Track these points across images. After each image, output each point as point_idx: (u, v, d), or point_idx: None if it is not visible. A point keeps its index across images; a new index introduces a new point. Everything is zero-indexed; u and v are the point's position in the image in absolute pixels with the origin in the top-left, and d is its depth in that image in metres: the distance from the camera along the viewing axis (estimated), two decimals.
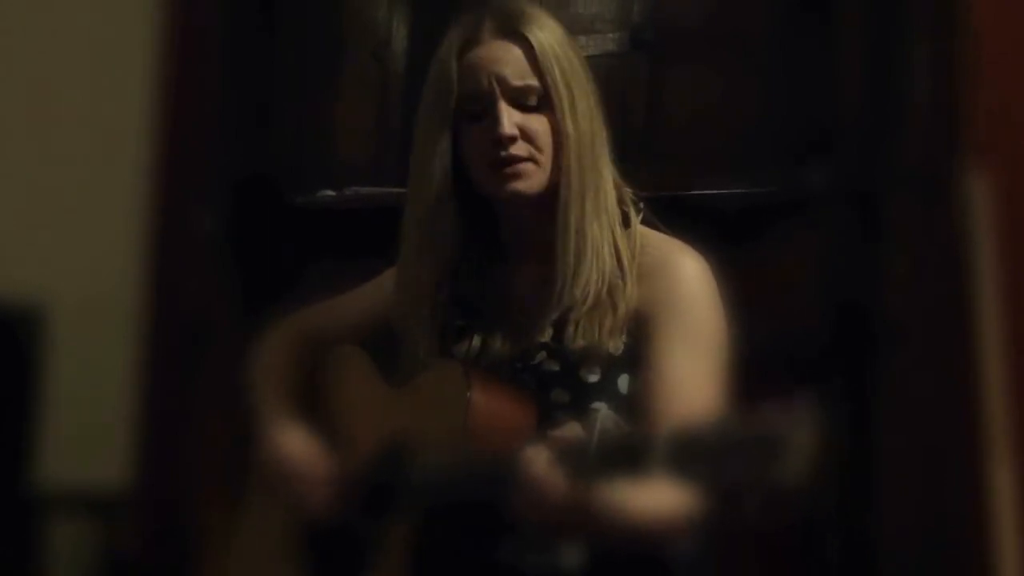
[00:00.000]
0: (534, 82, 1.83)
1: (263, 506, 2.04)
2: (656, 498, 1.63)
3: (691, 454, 1.37)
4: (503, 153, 1.82)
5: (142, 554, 2.58)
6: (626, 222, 1.88)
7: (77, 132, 2.56)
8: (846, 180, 2.49)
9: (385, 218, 2.83)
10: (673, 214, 1.93)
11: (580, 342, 1.82)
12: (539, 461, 1.58)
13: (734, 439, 1.33)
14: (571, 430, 1.74)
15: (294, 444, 1.97)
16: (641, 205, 1.91)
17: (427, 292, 1.89)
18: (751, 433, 1.31)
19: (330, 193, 2.90)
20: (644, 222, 1.90)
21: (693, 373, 1.77)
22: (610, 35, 2.81)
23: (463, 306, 1.92)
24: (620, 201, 1.89)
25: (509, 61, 1.84)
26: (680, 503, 1.66)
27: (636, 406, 1.80)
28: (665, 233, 1.89)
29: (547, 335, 1.85)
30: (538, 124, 1.83)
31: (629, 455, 1.45)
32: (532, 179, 1.83)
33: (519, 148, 1.82)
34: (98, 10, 2.58)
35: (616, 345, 1.82)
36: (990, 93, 2.23)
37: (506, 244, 1.92)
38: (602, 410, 1.81)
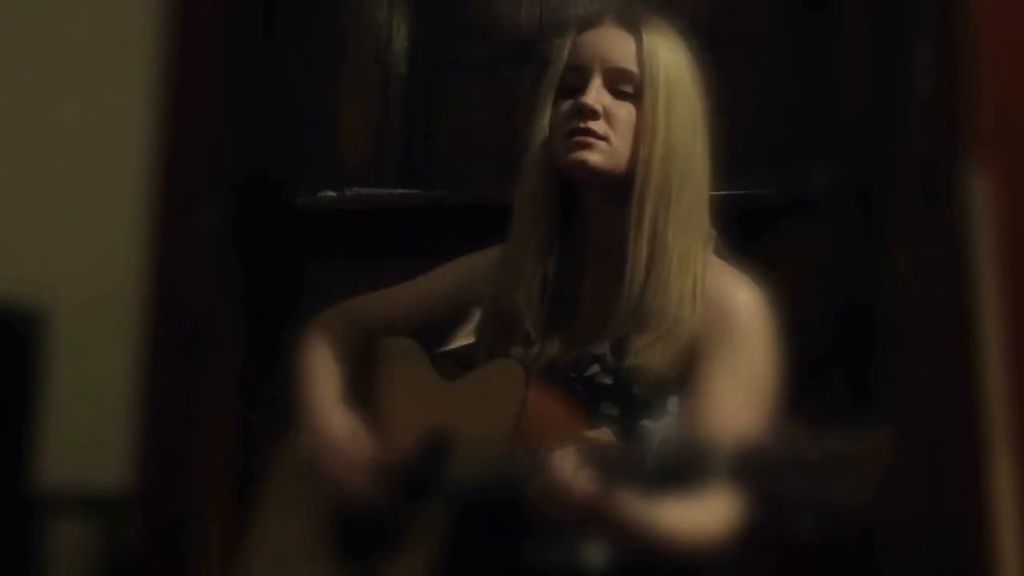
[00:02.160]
0: (634, 69, 1.85)
1: (290, 493, 2.03)
2: (696, 513, 1.64)
3: (753, 466, 1.37)
4: (581, 124, 1.83)
5: (143, 555, 2.58)
6: None
7: (79, 132, 2.56)
8: (848, 179, 2.49)
9: (386, 219, 2.85)
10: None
11: (635, 360, 1.81)
12: (567, 462, 1.59)
13: (799, 456, 1.33)
14: (603, 435, 1.74)
15: (339, 427, 1.97)
16: (714, 233, 1.91)
17: (535, 267, 1.89)
18: (818, 452, 1.31)
19: (331, 194, 2.90)
20: (713, 250, 1.91)
21: (739, 410, 1.76)
22: None
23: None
24: None
25: (616, 45, 1.87)
26: (722, 519, 1.66)
27: (684, 427, 1.80)
28: (729, 262, 1.89)
29: (603, 348, 1.85)
30: (625, 112, 1.84)
31: (691, 463, 1.45)
32: (600, 156, 1.83)
33: (597, 125, 1.83)
34: (100, 10, 2.57)
35: (669, 367, 1.81)
36: (991, 93, 2.23)
37: (583, 246, 1.92)
38: (666, 418, 1.82)
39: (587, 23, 1.91)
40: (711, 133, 1.89)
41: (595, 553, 1.74)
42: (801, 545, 1.59)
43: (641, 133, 1.84)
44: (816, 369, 2.44)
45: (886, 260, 2.39)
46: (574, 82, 1.86)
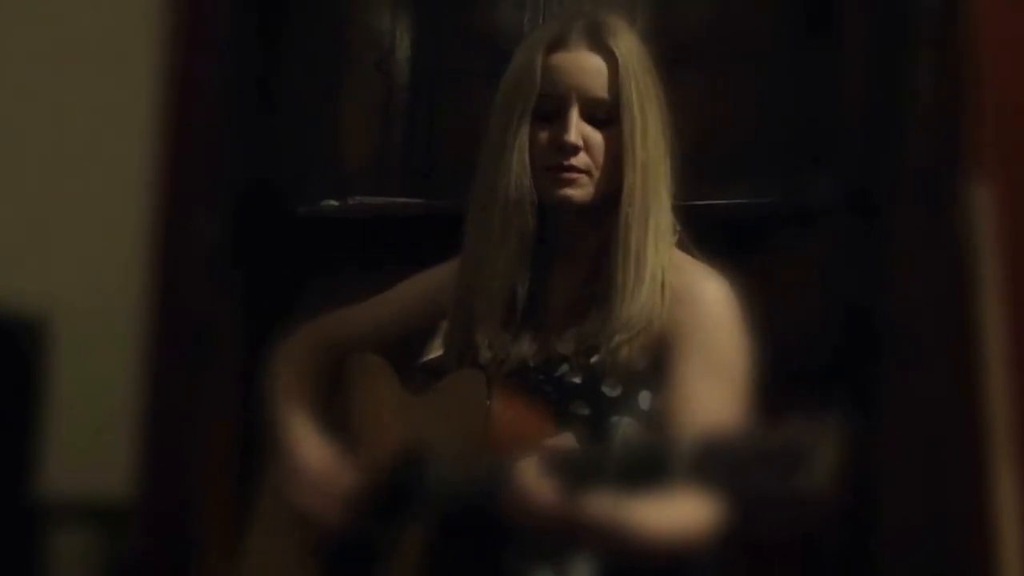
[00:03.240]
0: (608, 97, 1.86)
1: (276, 511, 2.03)
2: (669, 512, 1.64)
3: (714, 462, 1.36)
4: (564, 161, 1.84)
5: (146, 563, 2.58)
6: None
7: (80, 141, 2.56)
8: (850, 187, 2.49)
9: (388, 227, 2.85)
10: (685, 228, 1.94)
11: (601, 357, 1.82)
12: (531, 470, 1.59)
13: (757, 449, 1.33)
14: (565, 440, 1.75)
15: (312, 453, 1.97)
16: (677, 227, 1.91)
17: (504, 287, 1.90)
18: (775, 444, 1.31)
19: (333, 203, 2.90)
20: (678, 245, 1.91)
21: (712, 400, 1.77)
22: None
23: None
24: None
25: (591, 72, 1.87)
26: (696, 518, 1.67)
27: (656, 422, 1.81)
28: (697, 257, 1.91)
29: (571, 348, 1.85)
30: (599, 139, 1.86)
31: (651, 463, 1.44)
32: (582, 189, 1.85)
33: (579, 160, 1.85)
34: (102, 19, 2.58)
35: (638, 362, 1.82)
36: (993, 99, 2.23)
37: (547, 249, 1.92)
38: (624, 419, 1.82)
39: (556, 43, 1.89)
40: (672, 135, 1.92)
41: (580, 564, 1.73)
42: (787, 543, 1.59)
43: (612, 155, 1.85)
44: (818, 375, 2.44)
45: (888, 267, 2.39)
46: (550, 108, 1.87)
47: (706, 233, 1.92)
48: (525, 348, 1.90)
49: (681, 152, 2.65)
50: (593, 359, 1.83)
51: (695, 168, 2.65)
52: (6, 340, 2.57)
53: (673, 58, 2.75)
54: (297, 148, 2.98)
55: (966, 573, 2.15)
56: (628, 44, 1.88)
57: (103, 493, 2.57)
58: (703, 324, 1.82)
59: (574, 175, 1.85)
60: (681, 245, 1.92)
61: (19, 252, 2.52)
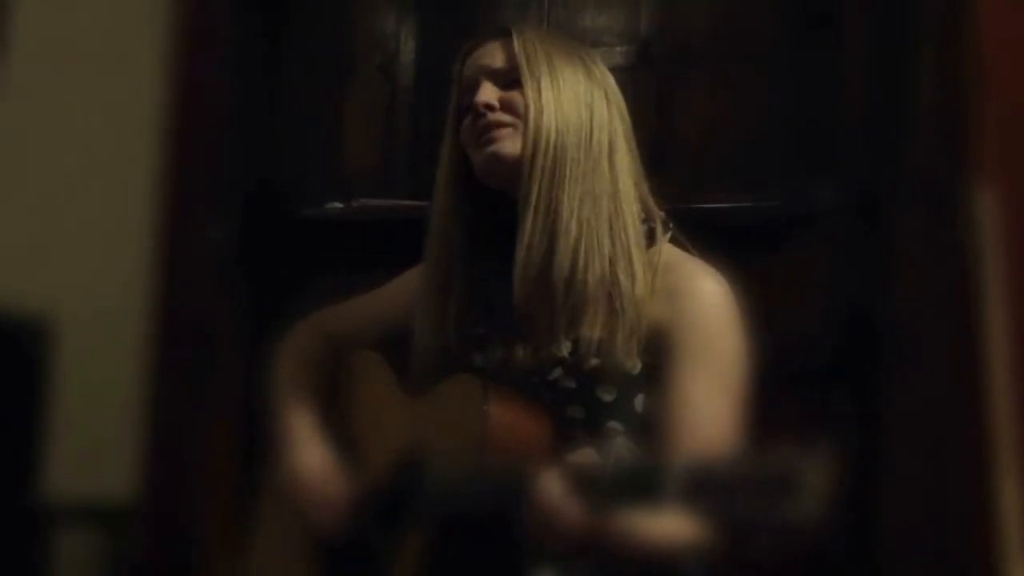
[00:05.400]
0: (512, 65, 1.91)
1: (277, 513, 2.03)
2: (665, 526, 1.65)
3: (705, 488, 1.37)
4: (482, 121, 1.88)
5: (148, 564, 2.58)
6: (651, 238, 1.89)
7: (84, 143, 2.57)
8: (851, 190, 2.49)
9: (393, 230, 2.85)
10: (681, 227, 1.94)
11: (595, 361, 1.82)
12: (554, 488, 1.58)
13: (749, 476, 1.33)
14: (586, 456, 1.74)
15: (311, 462, 1.97)
16: (670, 224, 1.91)
17: (444, 286, 1.93)
18: (766, 471, 1.32)
19: (337, 205, 2.90)
20: (672, 241, 1.91)
21: (710, 399, 1.78)
22: (618, 49, 2.82)
23: (482, 313, 1.93)
24: (647, 218, 1.90)
25: (494, 53, 1.93)
26: (689, 531, 1.67)
27: (652, 426, 1.80)
28: (692, 254, 1.90)
29: (564, 350, 1.85)
30: (519, 96, 1.89)
31: (643, 485, 1.45)
32: (509, 142, 1.88)
33: (498, 115, 1.89)
34: (106, 23, 2.59)
35: (633, 364, 1.82)
36: (997, 104, 2.22)
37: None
38: (618, 438, 1.81)
39: (468, 49, 1.98)
40: (625, 119, 1.94)
41: (580, 571, 1.73)
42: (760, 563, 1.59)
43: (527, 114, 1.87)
44: (818, 376, 2.44)
45: (889, 268, 2.39)
46: (468, 99, 1.92)
47: (707, 235, 1.92)
48: (519, 352, 1.89)
49: (681, 154, 2.67)
50: (587, 365, 1.83)
51: (696, 170, 2.67)
52: (10, 342, 2.57)
53: (679, 64, 2.79)
54: (301, 151, 2.99)
55: (968, 574, 2.14)
56: (535, 31, 1.95)
57: (106, 494, 2.57)
58: (700, 322, 1.82)
59: (494, 133, 1.88)
60: (676, 242, 1.91)
61: (23, 253, 2.53)
